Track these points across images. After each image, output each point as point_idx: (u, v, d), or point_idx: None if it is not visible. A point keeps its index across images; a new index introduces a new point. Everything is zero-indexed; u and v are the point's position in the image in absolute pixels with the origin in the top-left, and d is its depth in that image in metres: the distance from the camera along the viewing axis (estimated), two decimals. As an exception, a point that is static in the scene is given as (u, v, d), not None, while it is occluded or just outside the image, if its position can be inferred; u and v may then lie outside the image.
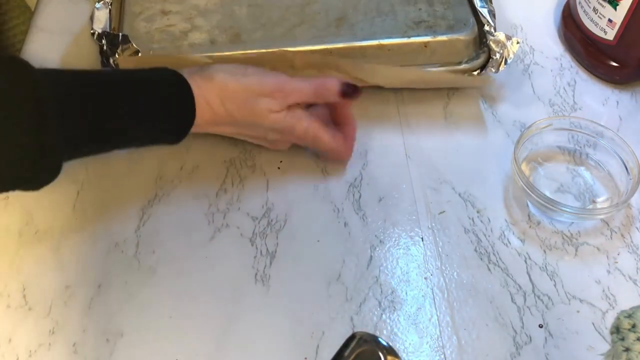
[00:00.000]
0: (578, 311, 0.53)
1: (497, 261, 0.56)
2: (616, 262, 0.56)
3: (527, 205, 0.59)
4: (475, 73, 0.64)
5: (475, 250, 0.57)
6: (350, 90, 0.57)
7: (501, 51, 0.63)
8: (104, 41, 0.62)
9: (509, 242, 0.57)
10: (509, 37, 0.63)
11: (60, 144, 0.47)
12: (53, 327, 0.52)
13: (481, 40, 0.64)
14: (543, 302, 0.54)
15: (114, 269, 0.55)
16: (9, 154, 0.45)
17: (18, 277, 0.55)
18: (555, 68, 0.70)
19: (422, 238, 0.57)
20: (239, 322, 0.53)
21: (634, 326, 0.48)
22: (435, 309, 0.54)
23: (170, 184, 0.60)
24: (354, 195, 0.60)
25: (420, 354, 0.51)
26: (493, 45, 0.63)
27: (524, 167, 0.60)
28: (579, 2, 0.68)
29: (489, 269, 0.56)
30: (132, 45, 0.61)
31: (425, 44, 0.63)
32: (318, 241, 0.57)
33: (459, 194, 0.60)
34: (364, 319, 0.53)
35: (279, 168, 0.62)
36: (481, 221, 0.58)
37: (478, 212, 0.59)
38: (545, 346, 0.52)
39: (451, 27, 0.64)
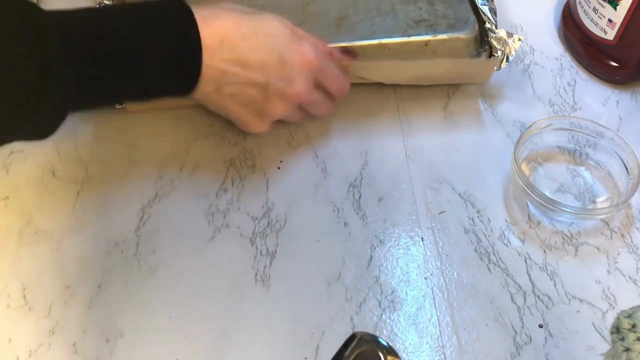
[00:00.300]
0: (578, 311, 0.53)
1: (497, 261, 0.56)
2: (616, 262, 0.56)
3: (527, 205, 0.59)
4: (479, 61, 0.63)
5: (475, 250, 0.57)
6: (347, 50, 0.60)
7: (503, 48, 0.63)
8: None
9: (509, 242, 0.57)
10: (510, 35, 0.63)
11: (63, 74, 0.45)
12: (53, 327, 0.52)
13: (482, 38, 0.64)
14: (543, 302, 0.54)
15: (114, 269, 0.55)
16: (10, 87, 0.43)
17: (18, 277, 0.55)
18: (555, 68, 0.70)
19: (422, 238, 0.57)
20: (239, 322, 0.53)
21: (634, 326, 0.48)
22: (435, 309, 0.54)
23: (170, 184, 0.60)
24: (354, 195, 0.60)
25: (420, 354, 0.51)
26: (494, 43, 0.63)
27: (524, 167, 0.60)
28: (579, 2, 0.68)
29: (489, 269, 0.56)
30: None
31: (426, 43, 0.63)
32: (318, 241, 0.57)
33: (459, 194, 0.60)
34: (364, 319, 0.53)
35: (279, 168, 0.62)
36: (481, 221, 0.58)
37: (478, 212, 0.59)
38: (545, 346, 0.52)
39: (452, 26, 0.64)
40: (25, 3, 0.45)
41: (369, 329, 0.52)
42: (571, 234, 0.58)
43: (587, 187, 0.60)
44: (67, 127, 0.48)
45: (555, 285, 0.55)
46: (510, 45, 0.63)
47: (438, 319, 0.53)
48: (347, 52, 0.61)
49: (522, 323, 0.53)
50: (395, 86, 0.66)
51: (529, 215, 0.59)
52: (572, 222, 0.58)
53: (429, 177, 0.61)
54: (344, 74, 0.61)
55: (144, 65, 0.50)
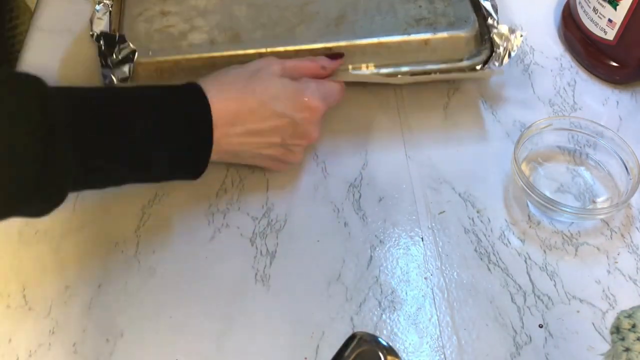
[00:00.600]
0: (578, 311, 0.53)
1: (497, 261, 0.56)
2: (616, 262, 0.56)
3: (527, 205, 0.59)
4: (478, 68, 0.63)
5: (475, 250, 0.57)
6: (334, 56, 0.61)
7: (505, 44, 0.62)
8: (102, 42, 0.61)
9: (509, 242, 0.57)
10: (512, 31, 0.63)
11: (65, 160, 0.45)
12: (53, 327, 0.52)
13: (482, 37, 0.64)
14: (543, 302, 0.54)
15: (114, 269, 0.55)
16: (11, 169, 0.42)
17: (18, 277, 0.55)
18: (555, 68, 0.70)
19: (422, 238, 0.57)
20: (239, 322, 0.53)
21: (634, 326, 0.48)
22: (435, 309, 0.54)
23: (170, 184, 0.60)
24: (354, 195, 0.60)
25: (420, 354, 0.51)
26: (496, 39, 0.63)
27: (524, 167, 0.60)
28: (579, 2, 0.68)
29: (489, 269, 0.56)
30: (130, 45, 0.61)
31: (426, 42, 0.63)
32: (318, 241, 0.57)
33: (459, 194, 0.60)
34: (364, 319, 0.53)
35: (279, 168, 0.62)
36: (481, 221, 0.58)
37: (478, 212, 0.59)
38: (545, 346, 0.52)
39: (452, 24, 0.64)
40: (34, 83, 0.44)
41: (369, 329, 0.52)
42: (571, 234, 0.58)
43: (587, 187, 0.60)
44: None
45: (555, 285, 0.55)
46: (513, 41, 0.63)
47: (438, 319, 0.53)
48: (334, 57, 0.61)
49: (522, 323, 0.53)
50: (395, 86, 0.66)
51: (529, 215, 0.59)
52: (572, 222, 0.58)
53: (429, 177, 0.61)
54: (338, 84, 0.61)
55: (152, 158, 0.51)
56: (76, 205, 0.59)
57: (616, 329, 0.50)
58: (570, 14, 0.71)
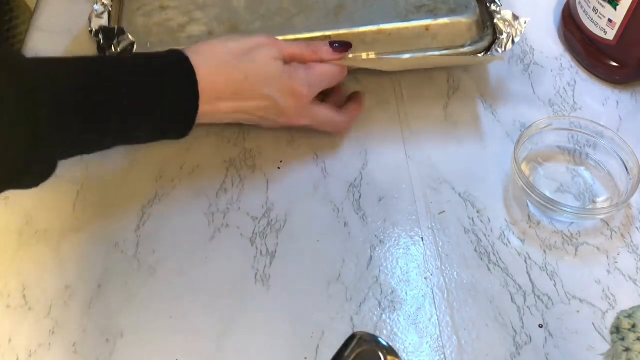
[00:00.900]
0: (578, 311, 0.53)
1: (497, 261, 0.56)
2: (616, 262, 0.56)
3: (527, 205, 0.59)
4: (481, 54, 0.63)
5: (475, 250, 0.57)
6: (340, 44, 0.59)
7: (509, 30, 0.62)
8: (100, 36, 0.62)
9: (509, 242, 0.57)
10: (516, 17, 0.63)
11: (54, 136, 0.46)
12: (53, 327, 0.52)
13: (484, 23, 0.64)
14: (543, 302, 0.54)
15: (114, 269, 0.55)
16: (1, 151, 0.44)
17: (18, 277, 0.55)
18: (555, 68, 0.70)
19: (422, 238, 0.57)
20: (239, 322, 0.53)
21: (634, 326, 0.48)
22: (435, 309, 0.54)
23: (170, 184, 0.60)
24: (354, 195, 0.60)
25: (420, 354, 0.51)
26: (500, 25, 0.62)
27: (524, 167, 0.60)
28: (579, 2, 0.68)
29: (489, 269, 0.56)
30: (129, 37, 0.61)
31: (427, 28, 0.62)
32: (318, 241, 0.57)
33: (459, 194, 0.60)
34: (364, 319, 0.53)
35: (279, 168, 0.62)
36: (481, 221, 0.58)
37: (478, 212, 0.59)
38: (545, 346, 0.52)
39: (452, 10, 0.63)
40: (18, 61, 0.46)
41: (369, 329, 0.52)
42: (571, 234, 0.58)
43: (587, 187, 0.60)
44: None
45: (555, 285, 0.55)
46: (516, 27, 0.63)
47: (438, 319, 0.53)
48: (341, 48, 0.59)
49: (522, 323, 0.53)
50: (395, 86, 0.66)
51: (529, 215, 0.59)
52: (572, 222, 0.58)
53: (429, 177, 0.61)
54: (337, 67, 0.60)
55: (138, 129, 0.52)
56: (76, 205, 0.59)
57: (616, 329, 0.50)
58: (570, 14, 0.71)
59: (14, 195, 0.59)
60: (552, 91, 0.68)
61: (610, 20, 0.64)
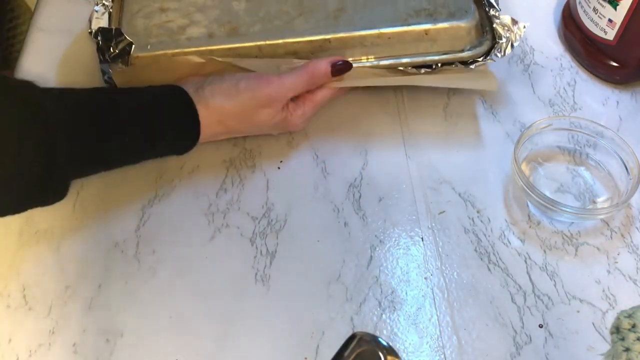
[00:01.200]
0: (578, 311, 0.53)
1: (497, 261, 0.56)
2: (616, 262, 0.56)
3: (527, 205, 0.59)
4: (481, 59, 0.63)
5: (475, 250, 0.57)
6: (341, 66, 0.60)
7: (507, 35, 0.62)
8: (99, 37, 0.62)
9: (509, 242, 0.57)
10: (515, 22, 0.63)
11: (67, 169, 0.50)
12: (53, 327, 0.52)
13: (483, 27, 0.64)
14: (543, 302, 0.54)
15: (114, 269, 0.55)
16: (16, 178, 0.47)
17: (18, 277, 0.55)
18: (555, 68, 0.70)
19: (422, 238, 0.57)
20: (239, 322, 0.53)
21: (634, 326, 0.48)
22: (435, 309, 0.54)
23: (170, 184, 0.60)
24: (354, 195, 0.60)
25: (420, 354, 0.51)
26: (499, 29, 0.62)
27: (524, 167, 0.60)
28: (579, 2, 0.68)
29: (489, 269, 0.56)
30: (126, 38, 0.61)
31: (426, 32, 0.62)
32: (318, 241, 0.57)
33: (459, 194, 0.60)
34: (364, 319, 0.53)
35: (279, 168, 0.62)
36: (481, 221, 0.58)
37: (478, 212, 0.59)
38: (545, 346, 0.52)
39: (452, 15, 0.63)
40: (30, 94, 0.49)
41: (369, 329, 0.52)
42: (571, 234, 0.58)
43: (587, 187, 0.60)
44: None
45: (555, 285, 0.55)
46: (515, 31, 0.63)
47: (438, 319, 0.53)
48: (340, 70, 0.60)
49: (522, 323, 0.53)
50: (395, 87, 0.66)
51: (529, 215, 0.59)
52: (572, 222, 0.58)
53: (429, 177, 0.61)
54: (334, 91, 0.62)
55: (143, 156, 0.57)
56: (76, 205, 0.59)
57: (616, 329, 0.49)
58: (570, 14, 0.71)
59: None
60: (552, 91, 0.68)
61: (610, 20, 0.64)
